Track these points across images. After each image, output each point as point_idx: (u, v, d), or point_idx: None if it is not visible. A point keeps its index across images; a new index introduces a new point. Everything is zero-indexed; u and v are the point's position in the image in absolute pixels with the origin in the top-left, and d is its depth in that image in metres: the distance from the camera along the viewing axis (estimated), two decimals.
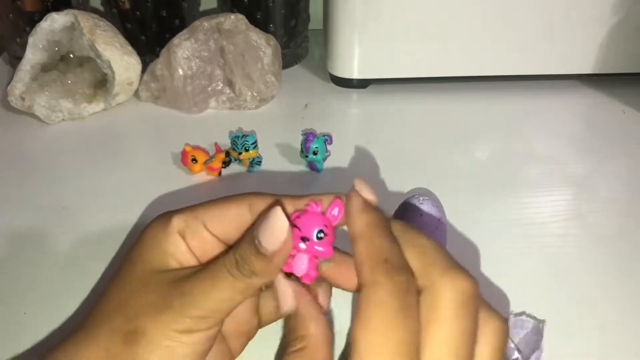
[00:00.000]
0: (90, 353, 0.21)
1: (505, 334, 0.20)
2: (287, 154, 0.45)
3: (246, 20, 0.48)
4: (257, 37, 0.49)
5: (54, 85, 0.47)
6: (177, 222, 0.23)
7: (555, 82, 0.55)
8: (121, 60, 0.48)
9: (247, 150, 0.41)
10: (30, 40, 0.46)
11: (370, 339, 0.18)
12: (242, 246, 0.21)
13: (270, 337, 0.27)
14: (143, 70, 0.50)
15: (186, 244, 0.23)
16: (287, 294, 0.22)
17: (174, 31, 0.49)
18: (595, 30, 0.51)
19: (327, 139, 0.42)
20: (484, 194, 0.41)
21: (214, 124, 0.49)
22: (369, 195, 0.22)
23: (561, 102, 0.53)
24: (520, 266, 0.35)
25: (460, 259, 0.20)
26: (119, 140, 0.47)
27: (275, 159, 0.44)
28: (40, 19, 0.46)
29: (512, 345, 0.28)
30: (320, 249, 0.22)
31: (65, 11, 0.46)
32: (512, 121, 0.51)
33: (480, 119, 0.51)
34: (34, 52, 0.46)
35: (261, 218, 0.21)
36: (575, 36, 0.51)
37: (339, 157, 0.44)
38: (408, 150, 0.46)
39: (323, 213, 0.22)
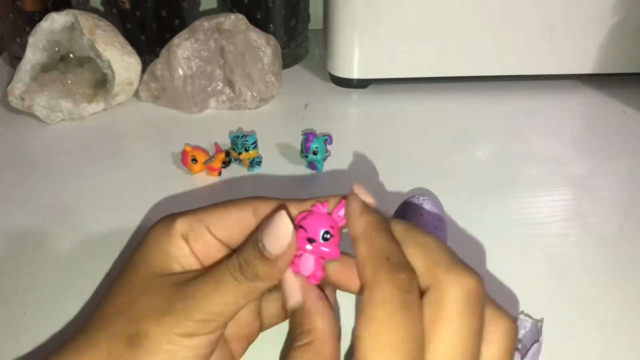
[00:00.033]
0: (92, 356, 0.21)
1: (514, 334, 0.20)
2: (287, 154, 0.45)
3: (246, 20, 0.48)
4: (257, 37, 0.49)
5: (54, 85, 0.47)
6: (180, 225, 0.23)
7: (555, 82, 0.55)
8: (121, 60, 0.48)
9: (247, 150, 0.41)
10: (30, 40, 0.46)
11: (374, 337, 0.18)
12: (245, 250, 0.21)
13: (272, 339, 0.27)
14: (143, 70, 0.50)
15: (189, 247, 0.23)
16: (294, 288, 0.22)
17: (174, 31, 0.49)
18: (595, 30, 0.51)
19: (327, 139, 0.42)
20: (484, 194, 0.41)
21: (214, 124, 0.49)
22: (367, 198, 0.22)
23: (561, 102, 0.53)
24: (520, 266, 0.35)
25: None
26: (119, 140, 0.47)
27: (275, 159, 0.44)
28: (40, 19, 0.46)
29: (524, 331, 0.28)
30: (327, 249, 0.22)
31: (65, 11, 0.46)
32: (512, 121, 0.51)
33: (480, 119, 0.51)
34: (34, 52, 0.46)
35: (265, 222, 0.21)
36: (575, 36, 0.51)
37: (339, 157, 0.44)
38: (408, 150, 0.46)
39: (329, 214, 0.22)
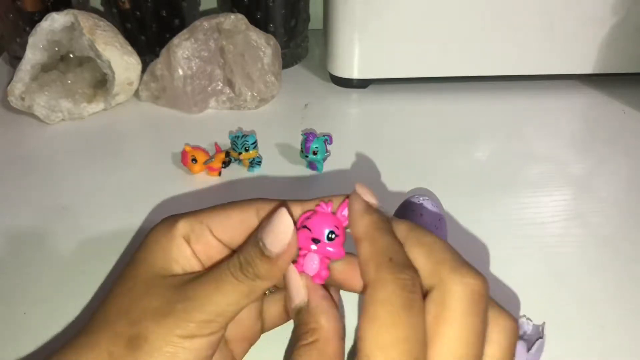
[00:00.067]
0: (92, 357, 0.21)
1: (515, 334, 0.20)
2: (287, 154, 0.45)
3: (246, 20, 0.48)
4: (257, 37, 0.49)
5: (54, 85, 0.47)
6: (182, 226, 0.23)
7: (555, 82, 0.55)
8: (121, 60, 0.48)
9: (247, 150, 0.41)
10: (30, 40, 0.46)
11: (376, 336, 0.18)
12: (246, 249, 0.21)
13: (274, 340, 0.27)
14: (143, 70, 0.50)
15: (191, 248, 0.23)
16: (299, 287, 0.22)
17: (174, 31, 0.49)
18: (595, 30, 0.51)
19: (327, 139, 0.42)
20: (484, 194, 0.41)
21: (214, 124, 0.49)
22: (370, 198, 0.22)
23: (561, 102, 0.53)
24: (520, 266, 0.35)
25: None
26: (119, 140, 0.47)
27: (275, 159, 0.44)
28: (40, 19, 0.46)
29: (520, 332, 0.28)
30: (332, 249, 0.22)
31: (65, 11, 0.46)
32: (512, 121, 0.51)
33: (480, 119, 0.51)
34: (34, 52, 0.46)
35: (266, 220, 0.21)
36: (575, 36, 0.51)
37: (339, 157, 0.44)
38: (408, 150, 0.46)
39: (333, 213, 0.22)
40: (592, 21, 0.50)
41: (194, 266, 0.23)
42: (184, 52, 0.47)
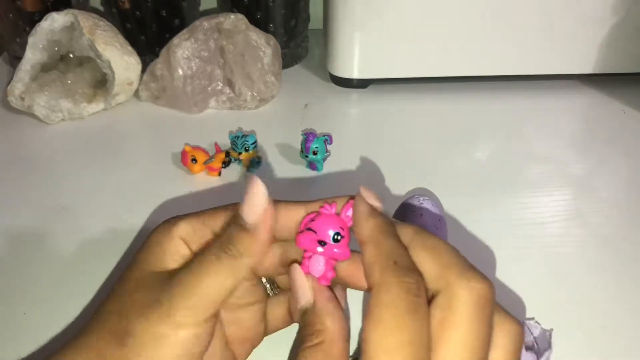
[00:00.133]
0: (86, 356, 0.21)
1: (520, 338, 0.20)
2: (287, 154, 0.45)
3: (246, 20, 0.48)
4: (257, 37, 0.49)
5: (54, 85, 0.47)
6: (183, 227, 0.23)
7: (555, 82, 0.55)
8: (121, 60, 0.48)
9: (247, 150, 0.41)
10: (30, 40, 0.46)
11: (381, 339, 0.18)
12: (227, 228, 0.21)
13: (276, 343, 0.27)
14: (143, 70, 0.50)
15: (191, 250, 0.23)
16: (305, 289, 0.22)
17: (174, 31, 0.49)
18: (595, 30, 0.51)
19: (327, 139, 0.42)
20: (484, 194, 0.41)
21: (214, 124, 0.49)
22: (374, 201, 0.22)
23: (561, 102, 0.53)
24: (520, 266, 0.35)
25: None
26: (119, 140, 0.47)
27: (275, 159, 0.44)
28: (40, 19, 0.46)
29: (531, 338, 0.28)
30: (338, 251, 0.22)
31: (65, 11, 0.46)
32: (512, 121, 0.51)
33: (480, 119, 0.51)
34: (34, 52, 0.46)
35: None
36: (575, 36, 0.51)
37: (339, 157, 0.44)
38: (408, 150, 0.46)
39: (337, 214, 0.22)
40: (592, 21, 0.50)
41: None
42: (184, 52, 0.47)
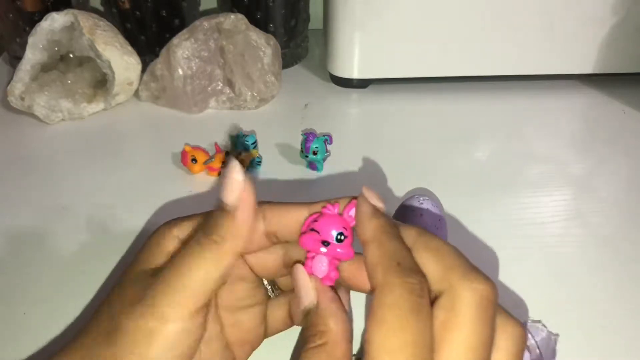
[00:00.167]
0: (80, 356, 0.21)
1: (522, 340, 0.20)
2: (287, 154, 0.45)
3: (246, 20, 0.48)
4: (257, 37, 0.49)
5: (54, 85, 0.47)
6: (184, 228, 0.23)
7: (555, 82, 0.55)
8: (121, 60, 0.48)
9: (247, 150, 0.41)
10: (30, 40, 0.46)
11: (384, 339, 0.18)
12: (209, 215, 0.21)
13: (278, 345, 0.27)
14: (143, 70, 0.50)
15: None
16: (309, 289, 0.22)
17: (174, 31, 0.49)
18: (595, 30, 0.51)
19: (327, 139, 0.42)
20: (484, 194, 0.41)
21: (214, 124, 0.49)
22: (377, 202, 0.22)
23: (561, 102, 0.53)
24: (520, 266, 0.35)
25: None
26: (119, 140, 0.47)
27: (275, 159, 0.44)
28: (40, 19, 0.46)
29: (533, 341, 0.28)
30: (341, 251, 0.22)
31: (65, 11, 0.46)
32: (512, 121, 0.51)
33: (480, 119, 0.51)
34: (34, 52, 0.46)
35: None
36: (575, 36, 0.51)
37: (339, 157, 0.44)
38: (408, 150, 0.46)
39: (340, 214, 0.22)
40: (592, 21, 0.50)
41: None
42: (184, 52, 0.47)
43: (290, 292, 0.26)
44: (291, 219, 0.23)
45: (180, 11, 0.54)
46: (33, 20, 0.49)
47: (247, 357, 0.25)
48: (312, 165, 0.43)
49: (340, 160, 0.44)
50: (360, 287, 0.22)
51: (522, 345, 0.20)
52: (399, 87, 0.54)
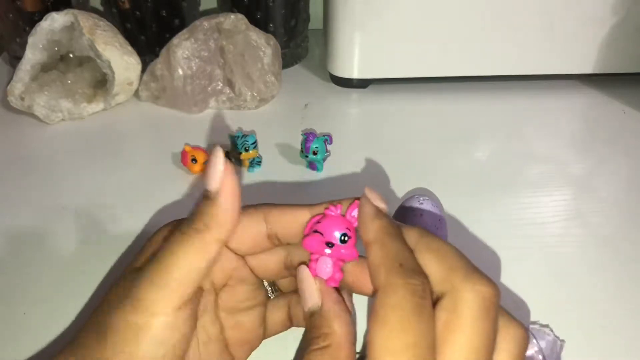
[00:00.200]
0: (79, 354, 0.21)
1: (524, 342, 0.20)
2: (287, 154, 0.45)
3: (246, 20, 0.48)
4: (257, 37, 0.49)
5: (54, 85, 0.47)
6: None
7: (555, 82, 0.55)
8: (121, 60, 0.48)
9: (247, 150, 0.41)
10: (30, 40, 0.46)
11: (386, 340, 0.18)
12: (195, 205, 0.21)
13: (278, 346, 0.27)
14: (143, 70, 0.50)
15: None
16: (313, 291, 0.22)
17: (174, 31, 0.49)
18: (595, 30, 0.51)
19: (327, 139, 0.42)
20: (484, 194, 0.41)
21: (214, 124, 0.49)
22: (379, 203, 0.22)
23: (561, 102, 0.53)
24: (520, 266, 0.35)
25: None
26: (118, 140, 0.47)
27: (275, 159, 0.44)
28: (40, 19, 0.46)
29: (536, 348, 0.27)
30: (346, 252, 0.22)
31: (65, 11, 0.46)
32: (512, 121, 0.51)
33: (480, 119, 0.51)
34: (34, 52, 0.46)
35: None
36: (575, 36, 0.51)
37: (339, 157, 0.44)
38: (408, 150, 0.46)
39: (343, 215, 0.22)
40: (592, 21, 0.50)
41: None
42: (184, 52, 0.47)
43: (289, 293, 0.26)
44: (293, 221, 0.23)
45: (180, 11, 0.54)
46: (33, 20, 0.49)
47: (246, 358, 0.25)
48: (312, 165, 0.43)
49: (340, 160, 0.44)
50: (363, 290, 0.22)
51: (524, 348, 0.20)
52: (399, 87, 0.54)
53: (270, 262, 0.24)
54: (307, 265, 0.22)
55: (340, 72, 0.53)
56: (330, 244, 0.21)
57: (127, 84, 0.49)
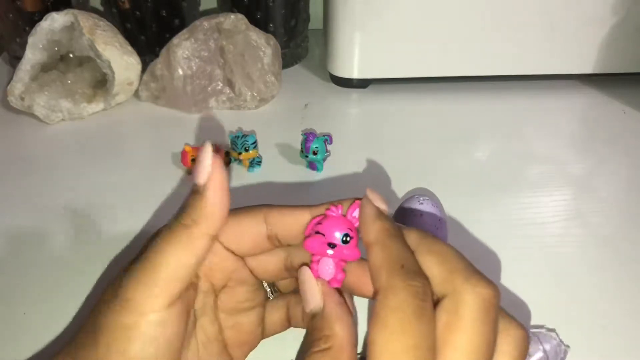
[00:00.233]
0: (77, 355, 0.21)
1: (525, 344, 0.20)
2: (287, 154, 0.45)
3: (246, 20, 0.48)
4: (257, 37, 0.49)
5: (54, 85, 0.47)
6: None
7: (555, 82, 0.55)
8: (121, 60, 0.48)
9: (247, 150, 0.41)
10: (30, 40, 0.46)
11: (387, 342, 0.18)
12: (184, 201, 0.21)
13: (278, 346, 0.27)
14: (143, 70, 0.50)
15: None
16: (315, 292, 0.21)
17: (174, 31, 0.49)
18: (595, 30, 0.51)
19: (327, 139, 0.42)
20: (484, 194, 0.41)
21: (214, 124, 0.49)
22: (380, 204, 0.22)
23: (561, 102, 0.53)
24: (520, 266, 0.35)
25: None
26: (119, 140, 0.47)
27: (275, 159, 0.44)
28: (40, 19, 0.46)
29: (541, 354, 0.27)
30: (348, 252, 0.21)
31: (65, 11, 0.46)
32: (512, 121, 0.51)
33: (480, 119, 0.51)
34: (34, 52, 0.46)
35: None
36: (575, 36, 0.51)
37: (339, 157, 0.44)
38: (408, 150, 0.46)
39: (344, 216, 0.22)
40: (592, 21, 0.50)
41: None
42: (183, 52, 0.47)
43: (288, 293, 0.26)
44: (293, 222, 0.23)
45: (180, 11, 0.54)
46: (33, 20, 0.49)
47: (245, 358, 0.25)
48: (312, 165, 0.43)
49: (340, 160, 0.44)
50: (363, 291, 0.22)
51: (525, 349, 0.20)
52: (399, 87, 0.54)
53: (270, 264, 0.24)
54: (309, 267, 0.22)
55: (340, 72, 0.53)
56: (332, 245, 0.21)
57: (127, 84, 0.49)
